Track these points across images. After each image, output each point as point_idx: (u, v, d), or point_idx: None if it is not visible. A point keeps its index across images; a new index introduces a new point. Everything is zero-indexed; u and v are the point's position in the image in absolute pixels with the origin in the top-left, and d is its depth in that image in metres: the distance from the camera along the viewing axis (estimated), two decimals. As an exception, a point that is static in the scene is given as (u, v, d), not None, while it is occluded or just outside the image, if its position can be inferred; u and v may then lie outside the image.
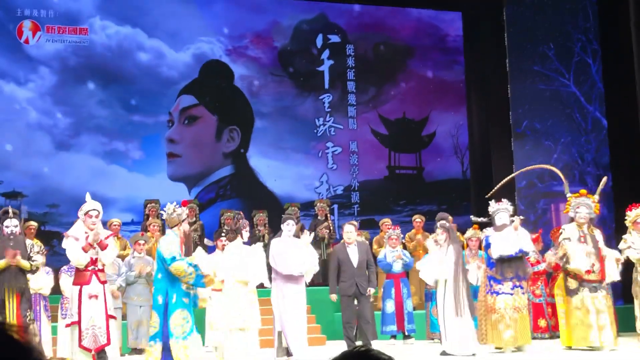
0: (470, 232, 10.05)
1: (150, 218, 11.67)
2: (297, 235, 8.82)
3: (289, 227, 8.55)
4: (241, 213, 9.04)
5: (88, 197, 7.30)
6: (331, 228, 12.55)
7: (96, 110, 13.72)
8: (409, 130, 15.30)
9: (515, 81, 13.57)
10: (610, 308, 8.56)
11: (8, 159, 12.99)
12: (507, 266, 8.31)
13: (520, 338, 8.33)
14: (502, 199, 8.73)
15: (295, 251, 8.38)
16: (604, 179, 9.33)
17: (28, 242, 7.73)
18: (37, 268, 7.71)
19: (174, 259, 6.78)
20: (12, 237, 7.41)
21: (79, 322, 6.84)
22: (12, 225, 7.43)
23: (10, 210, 7.49)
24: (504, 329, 8.27)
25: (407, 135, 15.27)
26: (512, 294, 8.31)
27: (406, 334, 10.33)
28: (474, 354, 8.13)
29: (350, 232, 8.79)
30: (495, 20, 14.03)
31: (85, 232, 7.00)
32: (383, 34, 15.39)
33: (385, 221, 12.20)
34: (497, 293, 8.37)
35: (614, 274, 8.63)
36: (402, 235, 11.08)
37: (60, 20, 13.62)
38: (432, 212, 13.81)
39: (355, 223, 12.20)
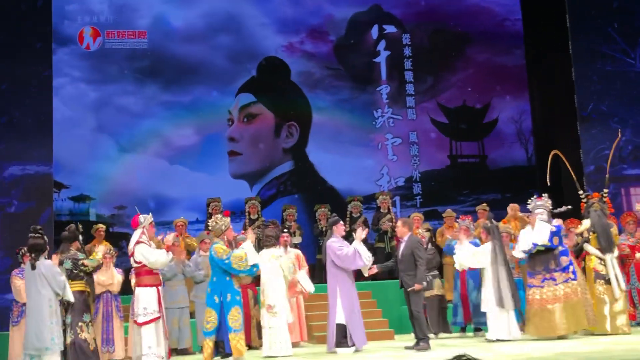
0: (501, 228, 10.08)
1: (213, 216, 11.79)
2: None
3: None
4: (277, 222, 10.03)
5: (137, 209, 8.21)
6: (394, 220, 12.45)
7: (158, 112, 13.95)
8: (470, 118, 15.04)
9: (579, 63, 13.19)
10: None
11: (75, 164, 13.31)
12: (537, 259, 8.84)
13: (550, 330, 8.69)
14: (543, 195, 9.22)
15: None
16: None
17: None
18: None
19: (229, 255, 7.81)
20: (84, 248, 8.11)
21: (162, 318, 7.73)
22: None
23: (80, 227, 8.12)
24: (538, 321, 8.76)
25: (468, 123, 15.02)
26: (542, 287, 8.79)
27: (473, 326, 10.12)
28: (511, 340, 8.65)
29: (397, 227, 8.99)
30: (556, 1, 13.64)
31: (146, 239, 7.89)
32: (439, 22, 15.16)
33: (449, 212, 12.03)
34: (530, 286, 8.93)
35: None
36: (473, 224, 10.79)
37: (119, 25, 13.88)
38: (496, 200, 13.60)
39: (419, 215, 12.11)
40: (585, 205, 9.55)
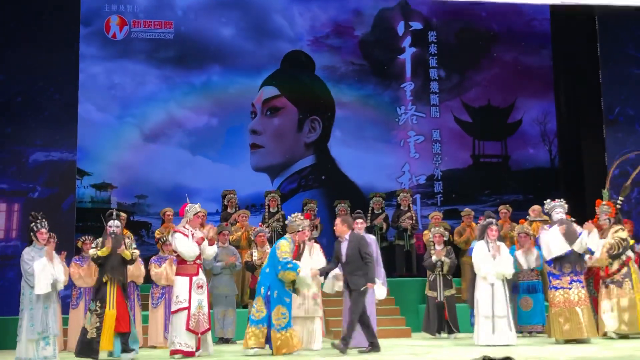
0: (519, 228, 10.08)
1: (228, 209, 11.89)
2: None
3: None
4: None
5: (188, 199, 8.28)
6: (414, 218, 12.42)
7: (182, 102, 14.01)
8: (493, 118, 14.92)
9: (606, 65, 13.02)
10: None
11: (98, 151, 13.41)
12: (566, 261, 8.77)
13: (578, 331, 8.69)
14: (556, 199, 9.19)
15: None
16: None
17: (127, 240, 8.27)
18: (136, 259, 8.21)
19: (285, 264, 7.83)
20: (113, 235, 7.94)
21: (188, 308, 7.73)
22: (114, 225, 8.01)
23: (114, 213, 8.10)
24: (563, 322, 8.72)
25: (492, 123, 14.90)
26: (570, 288, 8.78)
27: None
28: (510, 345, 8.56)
29: (336, 225, 8.28)
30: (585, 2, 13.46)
31: (189, 229, 7.97)
32: (466, 20, 15.04)
33: (467, 211, 11.97)
34: (556, 288, 8.83)
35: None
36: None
37: (146, 14, 13.95)
38: (518, 201, 13.50)
39: (438, 214, 12.04)
40: (617, 210, 9.71)
